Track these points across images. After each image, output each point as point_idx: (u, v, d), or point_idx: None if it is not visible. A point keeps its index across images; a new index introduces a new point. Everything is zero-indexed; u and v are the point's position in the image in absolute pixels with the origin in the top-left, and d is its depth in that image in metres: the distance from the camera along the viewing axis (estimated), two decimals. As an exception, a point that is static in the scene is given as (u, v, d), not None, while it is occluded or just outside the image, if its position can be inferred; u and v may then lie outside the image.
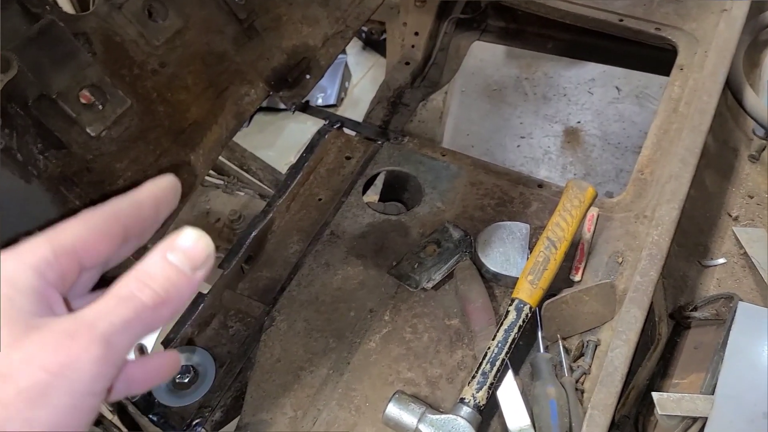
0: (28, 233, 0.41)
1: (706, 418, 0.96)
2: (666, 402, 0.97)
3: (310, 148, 1.46)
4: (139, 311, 0.39)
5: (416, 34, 1.84)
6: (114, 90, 1.12)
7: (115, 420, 1.05)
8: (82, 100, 1.09)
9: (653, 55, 1.65)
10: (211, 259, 0.43)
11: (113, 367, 0.39)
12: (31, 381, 0.35)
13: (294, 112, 1.52)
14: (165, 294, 0.40)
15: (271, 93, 1.42)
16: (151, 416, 1.11)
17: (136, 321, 0.39)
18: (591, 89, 3.05)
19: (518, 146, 2.86)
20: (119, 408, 1.07)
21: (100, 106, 1.10)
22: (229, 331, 1.21)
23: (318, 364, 1.13)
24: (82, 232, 0.43)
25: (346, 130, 1.53)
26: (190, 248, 0.42)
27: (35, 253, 0.40)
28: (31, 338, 0.37)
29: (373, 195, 1.58)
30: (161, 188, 0.47)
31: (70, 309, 0.42)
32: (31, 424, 0.35)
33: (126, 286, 0.40)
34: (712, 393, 0.98)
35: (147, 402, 1.13)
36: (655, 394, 0.98)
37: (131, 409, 1.08)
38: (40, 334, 0.37)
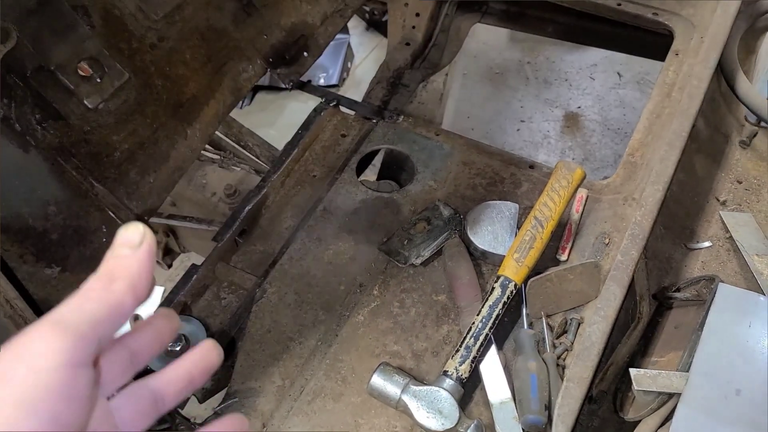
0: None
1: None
2: (642, 378, 1.00)
3: (306, 124, 1.48)
4: (88, 292, 0.43)
5: (417, 14, 1.84)
6: (112, 63, 1.14)
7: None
8: (81, 73, 1.11)
9: (652, 41, 1.66)
10: (147, 236, 0.45)
11: (75, 337, 0.40)
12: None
13: (291, 89, 1.54)
14: (109, 272, 0.44)
15: (268, 70, 1.44)
16: (143, 382, 1.14)
17: (85, 301, 0.42)
18: (592, 74, 3.05)
19: (518, 130, 2.87)
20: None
21: (98, 79, 1.12)
22: (222, 302, 1.24)
23: (307, 336, 1.16)
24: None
25: (343, 109, 1.54)
26: (121, 236, 0.45)
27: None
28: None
29: (371, 174, 1.60)
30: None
31: None
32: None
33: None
34: (689, 371, 1.00)
35: (140, 368, 1.16)
36: (632, 370, 1.01)
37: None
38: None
